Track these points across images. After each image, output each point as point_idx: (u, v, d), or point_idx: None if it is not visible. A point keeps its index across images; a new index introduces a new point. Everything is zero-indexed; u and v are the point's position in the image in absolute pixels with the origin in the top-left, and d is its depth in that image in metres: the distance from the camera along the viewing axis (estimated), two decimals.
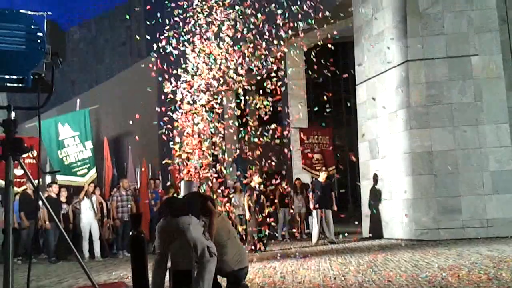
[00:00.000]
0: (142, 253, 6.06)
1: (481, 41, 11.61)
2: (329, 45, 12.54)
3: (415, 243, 10.62)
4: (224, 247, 5.77)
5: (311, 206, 12.19)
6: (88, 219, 11.55)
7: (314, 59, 12.83)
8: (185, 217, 5.40)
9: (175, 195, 10.24)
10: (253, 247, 10.77)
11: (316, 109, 14.45)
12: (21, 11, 3.42)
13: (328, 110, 13.71)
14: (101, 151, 14.80)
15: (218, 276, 5.82)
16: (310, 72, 13.84)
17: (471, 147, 11.29)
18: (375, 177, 12.72)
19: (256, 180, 11.48)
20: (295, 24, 11.01)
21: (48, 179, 15.79)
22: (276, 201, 13.55)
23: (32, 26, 3.34)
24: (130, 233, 6.49)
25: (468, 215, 11.03)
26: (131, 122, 12.95)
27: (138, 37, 9.56)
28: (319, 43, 12.88)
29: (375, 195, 12.64)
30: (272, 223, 11.94)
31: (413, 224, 11.33)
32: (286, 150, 13.53)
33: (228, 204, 10.19)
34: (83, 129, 12.40)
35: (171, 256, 5.42)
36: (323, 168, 13.18)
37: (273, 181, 11.41)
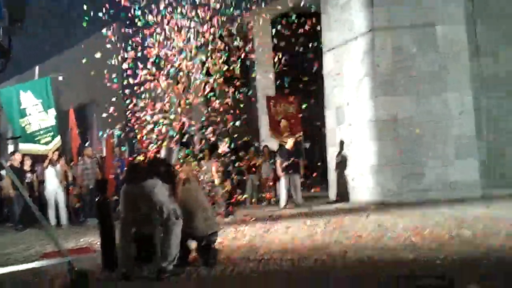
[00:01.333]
0: (108, 218, 6.05)
1: (446, 11, 11.75)
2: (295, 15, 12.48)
3: (381, 206, 10.88)
4: (193, 213, 5.79)
5: (278, 172, 12.33)
6: (53, 186, 11.41)
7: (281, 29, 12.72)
8: (150, 180, 5.40)
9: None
10: (223, 212, 10.83)
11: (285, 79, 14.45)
12: None
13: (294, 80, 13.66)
14: (65, 121, 14.50)
15: (188, 240, 5.86)
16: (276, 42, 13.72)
17: (435, 114, 11.53)
18: (341, 144, 12.89)
19: (222, 147, 11.44)
20: None
21: (10, 148, 15.46)
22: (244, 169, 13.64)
23: None
24: (96, 199, 6.45)
25: (432, 179, 11.34)
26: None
27: None
28: (285, 13, 12.81)
29: (342, 161, 12.84)
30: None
31: (378, 188, 11.58)
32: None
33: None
34: (45, 97, 12.07)
35: (135, 221, 5.42)
36: (290, 135, 13.26)
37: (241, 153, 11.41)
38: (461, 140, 11.42)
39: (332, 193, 13.25)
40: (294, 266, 5.42)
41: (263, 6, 14.22)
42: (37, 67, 14.82)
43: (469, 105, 11.61)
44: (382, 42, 11.76)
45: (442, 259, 5.26)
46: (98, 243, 6.14)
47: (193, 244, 6.00)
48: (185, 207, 5.72)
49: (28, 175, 11.74)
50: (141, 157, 8.90)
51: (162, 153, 6.31)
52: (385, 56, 11.73)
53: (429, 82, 11.59)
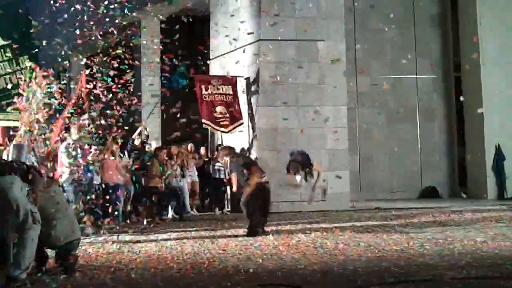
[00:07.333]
0: None
1: (328, 27, 12.29)
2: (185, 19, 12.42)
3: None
4: (53, 220, 5.43)
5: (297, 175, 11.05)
6: None
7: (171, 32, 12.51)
8: (8, 176, 4.99)
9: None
10: None
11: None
12: None
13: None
14: None
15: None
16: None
17: (312, 126, 11.97)
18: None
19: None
20: None
21: None
22: None
23: None
24: None
25: (306, 190, 11.71)
26: None
27: None
28: (174, 16, 12.71)
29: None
30: None
31: None
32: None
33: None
34: None
35: None
36: (230, 122, 12.17)
37: None
38: (335, 152, 11.94)
39: None
40: (156, 276, 5.29)
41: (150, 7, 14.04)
42: None
43: (344, 119, 12.20)
44: (267, 53, 12.00)
45: (303, 269, 5.41)
46: None
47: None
48: (44, 212, 5.36)
49: None
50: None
51: (10, 151, 5.78)
52: (268, 67, 11.99)
53: (308, 94, 12.03)
